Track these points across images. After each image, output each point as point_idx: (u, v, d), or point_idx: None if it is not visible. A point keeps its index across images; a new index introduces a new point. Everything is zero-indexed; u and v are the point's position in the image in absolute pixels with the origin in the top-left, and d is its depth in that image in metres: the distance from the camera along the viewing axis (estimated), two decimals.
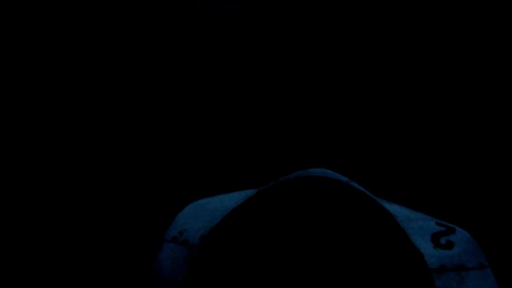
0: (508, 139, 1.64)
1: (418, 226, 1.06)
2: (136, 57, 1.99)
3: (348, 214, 0.99)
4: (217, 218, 1.00)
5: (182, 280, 0.96)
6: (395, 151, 1.70)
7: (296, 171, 1.10)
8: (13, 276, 1.58)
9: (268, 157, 1.86)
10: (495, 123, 1.65)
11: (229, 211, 0.99)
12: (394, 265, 0.97)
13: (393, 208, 1.10)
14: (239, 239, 0.95)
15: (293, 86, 1.74)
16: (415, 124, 1.71)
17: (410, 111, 1.73)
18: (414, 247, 1.00)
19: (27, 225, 1.72)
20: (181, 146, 1.93)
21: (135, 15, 2.01)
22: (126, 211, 1.86)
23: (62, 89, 1.95)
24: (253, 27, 1.60)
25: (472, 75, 1.66)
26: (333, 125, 1.73)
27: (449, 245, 1.02)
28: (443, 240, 1.03)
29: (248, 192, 1.07)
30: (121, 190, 1.90)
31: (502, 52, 1.64)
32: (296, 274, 0.92)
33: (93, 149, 1.88)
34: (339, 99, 1.76)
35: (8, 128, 1.85)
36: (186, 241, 1.03)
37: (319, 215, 0.97)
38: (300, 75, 1.78)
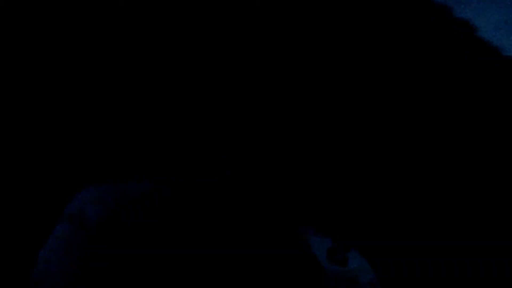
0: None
1: (315, 240, 1.09)
2: (136, 57, 2.00)
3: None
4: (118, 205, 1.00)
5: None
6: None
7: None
8: (13, 276, 1.59)
9: (269, 158, 1.87)
10: None
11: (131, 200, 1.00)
12: (292, 271, 0.99)
13: None
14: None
15: (293, 86, 1.75)
16: None
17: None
18: (315, 260, 1.02)
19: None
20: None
21: (135, 15, 2.02)
22: None
23: (62, 89, 1.96)
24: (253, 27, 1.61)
25: None
26: (333, 125, 1.73)
27: (344, 262, 1.05)
28: (338, 256, 1.05)
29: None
30: None
31: None
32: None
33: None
34: (339, 99, 1.76)
35: (8, 128, 1.86)
36: (83, 222, 1.03)
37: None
38: (301, 75, 1.79)
